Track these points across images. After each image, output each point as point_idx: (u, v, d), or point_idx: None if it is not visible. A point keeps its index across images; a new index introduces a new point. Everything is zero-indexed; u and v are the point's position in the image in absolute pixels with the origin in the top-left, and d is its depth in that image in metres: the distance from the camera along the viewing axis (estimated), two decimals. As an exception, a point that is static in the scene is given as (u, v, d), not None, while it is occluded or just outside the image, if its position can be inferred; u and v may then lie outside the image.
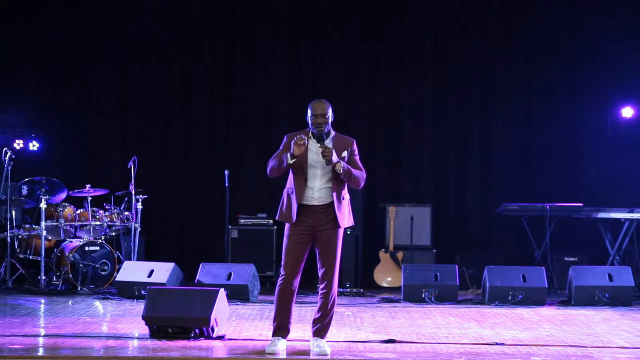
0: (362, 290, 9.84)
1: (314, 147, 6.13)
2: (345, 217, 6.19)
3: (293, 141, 5.98)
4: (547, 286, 9.06)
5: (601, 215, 10.19)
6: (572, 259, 10.32)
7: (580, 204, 10.29)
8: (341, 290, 9.85)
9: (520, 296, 8.90)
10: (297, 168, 6.14)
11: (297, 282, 6.19)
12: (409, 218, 10.71)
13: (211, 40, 11.59)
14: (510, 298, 8.92)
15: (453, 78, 11.52)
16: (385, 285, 10.34)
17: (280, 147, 6.24)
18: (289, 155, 6.02)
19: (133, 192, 9.98)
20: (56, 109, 11.57)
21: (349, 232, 10.53)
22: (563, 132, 11.34)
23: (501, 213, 10.62)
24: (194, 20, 11.59)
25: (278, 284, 6.20)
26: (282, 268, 6.19)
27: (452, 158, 11.50)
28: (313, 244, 6.19)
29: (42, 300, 8.93)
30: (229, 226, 10.23)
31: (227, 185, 9.81)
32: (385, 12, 11.49)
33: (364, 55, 11.52)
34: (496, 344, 6.63)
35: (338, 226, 6.14)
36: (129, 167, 9.99)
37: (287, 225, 6.23)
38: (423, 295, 9.11)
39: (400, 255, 10.48)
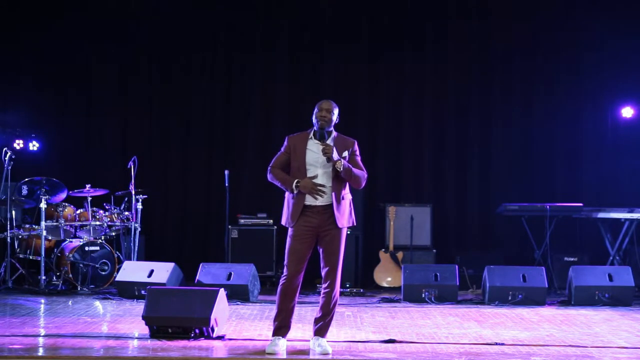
0: (362, 290, 9.83)
1: (314, 147, 6.13)
2: (345, 217, 6.18)
3: (311, 188, 5.98)
4: (547, 286, 9.05)
5: (601, 215, 10.19)
6: (572, 259, 10.32)
7: (580, 204, 10.30)
8: (341, 290, 9.75)
9: (520, 296, 8.90)
10: (295, 171, 6.15)
11: (299, 281, 6.18)
12: (409, 218, 10.71)
13: (211, 39, 11.59)
14: (510, 298, 8.91)
15: (453, 78, 11.52)
16: (385, 285, 10.33)
17: (282, 150, 6.24)
18: (294, 186, 6.04)
19: (133, 192, 9.98)
20: (56, 109, 11.57)
21: (349, 232, 10.53)
22: (563, 132, 11.35)
23: (501, 213, 10.62)
24: (194, 19, 11.58)
25: (280, 282, 6.18)
26: (285, 267, 6.18)
27: (452, 158, 11.50)
28: (317, 243, 6.19)
29: (42, 300, 8.93)
30: (229, 226, 10.22)
31: (227, 185, 9.81)
32: (385, 12, 11.49)
33: (364, 55, 11.52)
34: (496, 344, 6.63)
35: (338, 226, 6.14)
36: (129, 167, 9.98)
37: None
38: (423, 295, 9.11)
39: (400, 255, 10.47)
